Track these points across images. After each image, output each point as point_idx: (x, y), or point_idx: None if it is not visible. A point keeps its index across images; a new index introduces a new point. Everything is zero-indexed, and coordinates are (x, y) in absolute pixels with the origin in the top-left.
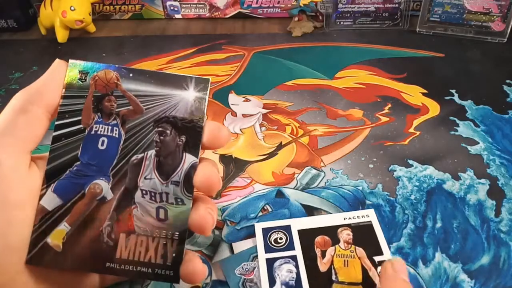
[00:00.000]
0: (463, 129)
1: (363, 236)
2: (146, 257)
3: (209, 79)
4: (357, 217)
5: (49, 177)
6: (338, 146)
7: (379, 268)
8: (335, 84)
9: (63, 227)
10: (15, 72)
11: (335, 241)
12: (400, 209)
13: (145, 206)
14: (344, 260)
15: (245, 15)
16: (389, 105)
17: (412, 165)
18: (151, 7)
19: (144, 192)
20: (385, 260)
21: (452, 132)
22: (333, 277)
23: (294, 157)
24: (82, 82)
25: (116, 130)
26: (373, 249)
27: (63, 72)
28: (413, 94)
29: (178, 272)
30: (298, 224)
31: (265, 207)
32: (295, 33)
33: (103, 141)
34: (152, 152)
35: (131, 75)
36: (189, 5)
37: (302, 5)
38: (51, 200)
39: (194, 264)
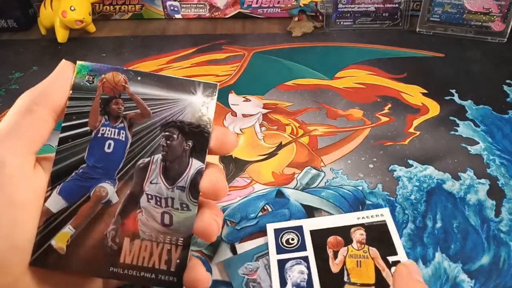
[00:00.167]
0: (463, 129)
1: (377, 236)
2: (150, 263)
3: (217, 84)
4: (371, 216)
5: (55, 179)
6: (338, 146)
7: (393, 269)
8: (335, 84)
9: (68, 230)
10: (15, 72)
11: (348, 241)
12: (400, 209)
13: (150, 211)
14: (357, 261)
15: (245, 15)
16: (389, 105)
17: (412, 165)
18: (151, 7)
19: (149, 196)
20: (399, 261)
21: (452, 132)
22: (345, 278)
23: (294, 157)
24: (89, 84)
25: (123, 133)
26: (387, 249)
27: (69, 73)
28: (413, 94)
29: (182, 279)
30: (311, 224)
31: (265, 207)
32: (295, 33)
33: (109, 144)
34: (158, 157)
35: (139, 78)
36: (189, 5)
37: (302, 5)
38: (56, 202)
39: (198, 271)
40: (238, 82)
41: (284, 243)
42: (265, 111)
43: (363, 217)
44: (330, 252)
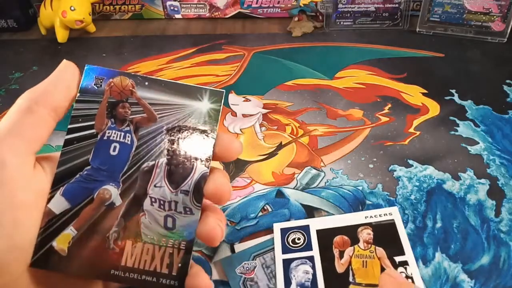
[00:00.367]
0: (463, 129)
1: (384, 235)
2: (152, 266)
3: (223, 91)
4: (379, 215)
5: (58, 180)
6: (338, 146)
7: (399, 269)
8: (335, 84)
9: (70, 232)
10: (15, 72)
11: (355, 241)
12: (400, 209)
13: (153, 214)
14: (363, 261)
15: (245, 15)
16: (389, 105)
17: (412, 165)
18: (151, 7)
19: (153, 200)
20: (406, 261)
21: (452, 132)
22: (350, 279)
23: (294, 157)
24: (97, 87)
25: (128, 136)
26: (395, 249)
27: (70, 73)
28: (413, 94)
29: (183, 283)
30: (317, 223)
31: (265, 207)
32: (295, 33)
33: (115, 147)
34: (163, 160)
35: (146, 83)
36: (189, 5)
37: (302, 5)
38: (59, 204)
39: (200, 278)
40: (238, 82)
41: (290, 243)
42: (265, 111)
43: (371, 216)
44: (336, 252)
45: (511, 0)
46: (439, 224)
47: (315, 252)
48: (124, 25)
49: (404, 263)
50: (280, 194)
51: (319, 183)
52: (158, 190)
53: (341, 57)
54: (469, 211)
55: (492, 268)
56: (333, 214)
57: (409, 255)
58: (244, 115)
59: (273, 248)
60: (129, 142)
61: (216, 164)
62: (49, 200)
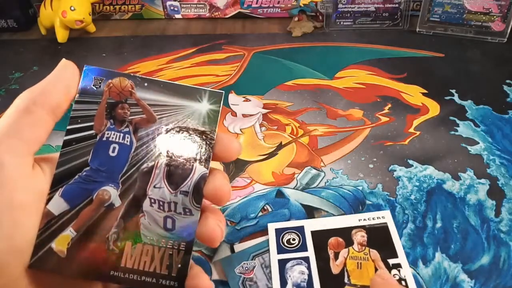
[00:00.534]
0: (463, 129)
1: (378, 238)
2: (151, 267)
3: (223, 92)
4: (373, 218)
5: (57, 181)
6: (338, 146)
7: (393, 271)
8: (335, 84)
9: (69, 233)
10: (15, 72)
11: (349, 242)
12: (400, 209)
13: (153, 215)
14: (358, 263)
15: (245, 15)
16: (389, 105)
17: (412, 165)
18: (151, 7)
19: (152, 200)
20: (399, 263)
21: (452, 132)
22: (346, 280)
23: (294, 157)
24: (96, 88)
25: (127, 137)
26: (388, 252)
27: (69, 73)
28: (413, 94)
29: (183, 284)
30: (312, 225)
31: (265, 207)
32: (295, 33)
33: (114, 148)
34: (162, 161)
35: (146, 84)
36: (189, 5)
37: (302, 5)
38: (58, 205)
39: (200, 279)
40: (238, 82)
41: (285, 243)
42: (265, 111)
43: (364, 219)
44: (331, 253)
45: (511, 0)
46: (439, 224)
47: (310, 253)
48: (124, 25)
49: (398, 266)
50: (280, 194)
51: (319, 183)
52: (158, 191)
53: (341, 57)
54: (469, 211)
55: (492, 268)
56: (333, 214)
57: (402, 257)
58: (244, 115)
59: None
60: (128, 143)
61: (216, 164)
62: (48, 201)
